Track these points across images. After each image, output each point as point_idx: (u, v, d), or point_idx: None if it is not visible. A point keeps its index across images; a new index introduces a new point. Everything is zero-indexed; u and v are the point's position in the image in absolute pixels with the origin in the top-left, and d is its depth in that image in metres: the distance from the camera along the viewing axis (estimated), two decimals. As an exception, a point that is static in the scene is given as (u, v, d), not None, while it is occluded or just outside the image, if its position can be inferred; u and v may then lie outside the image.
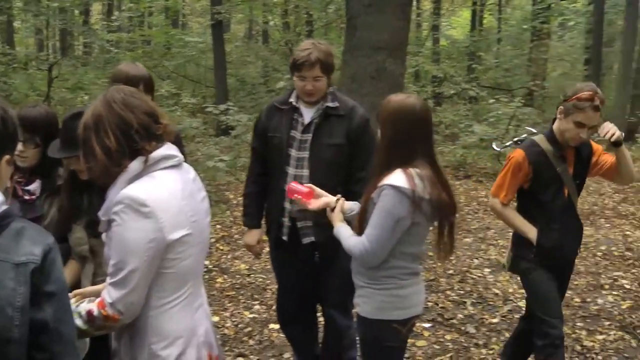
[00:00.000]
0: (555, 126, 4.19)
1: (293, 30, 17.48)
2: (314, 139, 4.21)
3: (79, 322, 2.66)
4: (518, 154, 4.19)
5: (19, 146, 3.32)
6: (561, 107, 4.11)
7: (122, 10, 19.91)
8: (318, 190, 3.73)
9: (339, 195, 3.71)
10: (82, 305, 2.71)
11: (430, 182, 3.26)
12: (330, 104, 4.20)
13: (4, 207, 2.09)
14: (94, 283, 3.45)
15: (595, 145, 4.34)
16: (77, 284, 3.46)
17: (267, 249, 4.70)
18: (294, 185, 3.82)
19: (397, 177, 3.25)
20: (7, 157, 2.17)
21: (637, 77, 18.21)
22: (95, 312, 2.63)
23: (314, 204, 3.69)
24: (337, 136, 4.15)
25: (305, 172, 4.18)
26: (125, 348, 2.75)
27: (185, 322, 2.72)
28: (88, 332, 2.73)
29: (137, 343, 2.69)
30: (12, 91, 14.67)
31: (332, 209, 3.64)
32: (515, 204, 4.38)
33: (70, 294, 2.81)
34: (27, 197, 3.50)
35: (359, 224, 3.46)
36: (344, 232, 3.52)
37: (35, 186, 3.53)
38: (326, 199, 3.69)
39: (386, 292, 3.41)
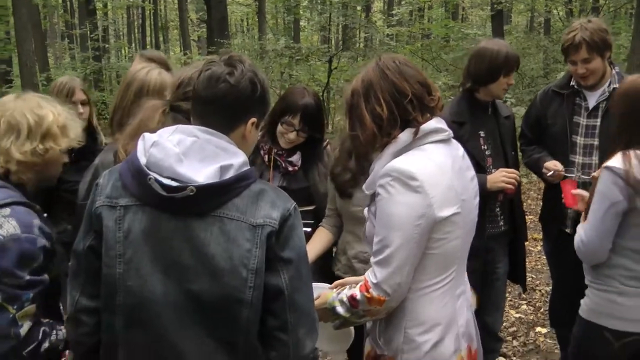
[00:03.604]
0: None
1: (577, 18, 16.51)
2: (602, 124, 3.84)
3: (341, 310, 2.54)
4: None
5: (282, 128, 3.40)
6: None
7: (402, 5, 20.08)
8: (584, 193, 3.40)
9: None
10: (344, 292, 2.56)
11: None
12: (617, 86, 3.78)
13: (245, 168, 2.03)
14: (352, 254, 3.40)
15: None
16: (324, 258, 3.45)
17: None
18: (569, 184, 3.68)
19: (615, 160, 3.02)
20: (253, 119, 2.10)
21: None
22: (359, 296, 2.46)
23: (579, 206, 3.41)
24: None
25: (595, 159, 3.84)
26: (381, 328, 2.57)
27: (446, 309, 2.48)
28: (350, 321, 2.59)
29: (392, 325, 2.50)
30: (294, 82, 15.48)
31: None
32: None
33: (330, 285, 2.73)
34: (290, 169, 3.48)
35: (584, 213, 3.15)
36: None
37: (296, 157, 3.51)
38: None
39: (603, 294, 3.12)
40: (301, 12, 22.79)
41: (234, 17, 34.72)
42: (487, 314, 4.04)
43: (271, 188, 2.10)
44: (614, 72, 3.92)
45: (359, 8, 21.48)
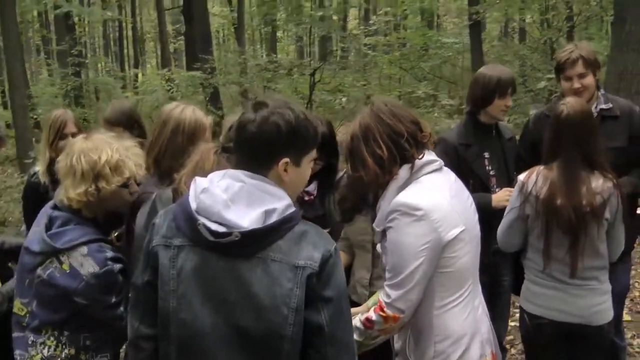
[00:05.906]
0: None
1: (554, 27, 16.74)
2: None
3: (355, 336, 2.65)
4: None
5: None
6: None
7: (379, 15, 20.21)
8: None
9: None
10: (357, 317, 2.77)
11: (548, 183, 3.35)
12: (603, 106, 4.03)
13: (291, 210, 2.18)
14: (372, 276, 3.55)
15: None
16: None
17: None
18: None
19: (526, 171, 3.49)
20: (284, 159, 2.20)
21: None
22: (374, 317, 2.71)
23: None
24: (617, 139, 3.93)
25: None
26: (411, 347, 2.79)
27: (469, 320, 2.75)
28: (363, 345, 2.79)
29: (422, 341, 2.74)
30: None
31: None
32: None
33: None
34: (306, 198, 3.62)
35: None
36: None
37: (312, 187, 3.66)
38: None
39: (525, 281, 3.63)
40: (279, 25, 22.91)
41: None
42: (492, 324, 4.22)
43: (313, 229, 2.23)
44: (599, 93, 4.10)
45: (335, 18, 21.67)
